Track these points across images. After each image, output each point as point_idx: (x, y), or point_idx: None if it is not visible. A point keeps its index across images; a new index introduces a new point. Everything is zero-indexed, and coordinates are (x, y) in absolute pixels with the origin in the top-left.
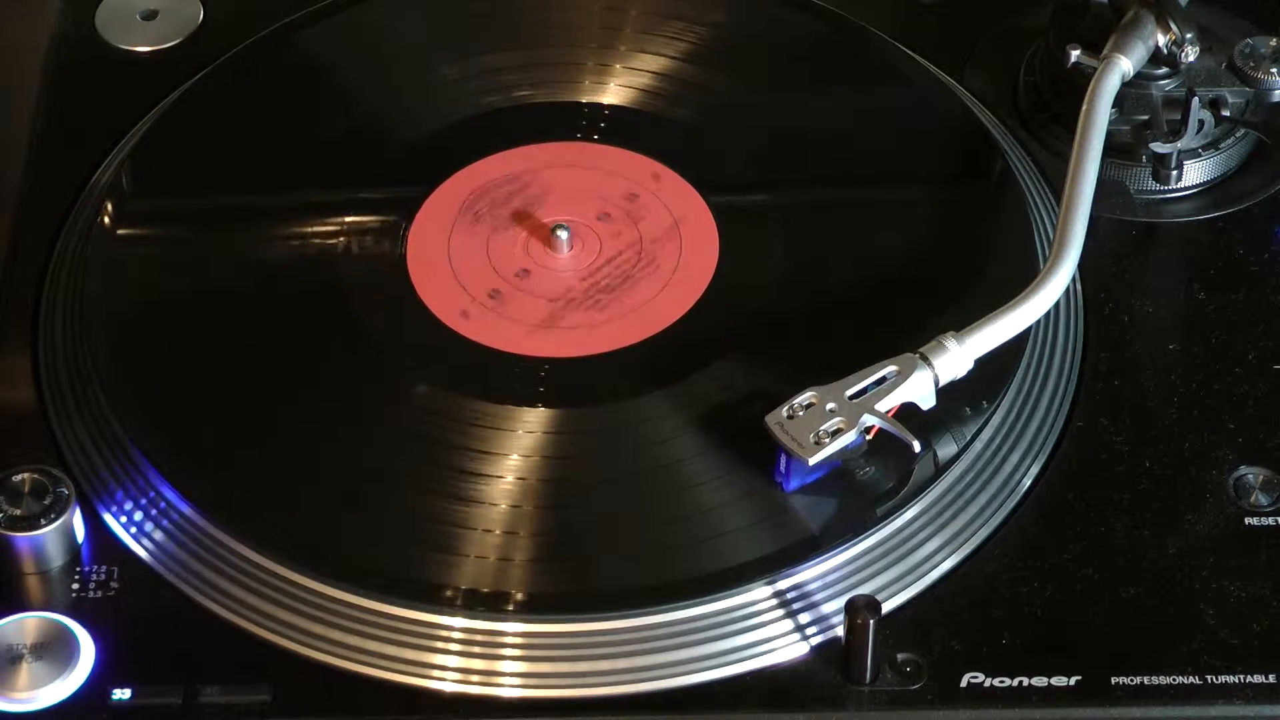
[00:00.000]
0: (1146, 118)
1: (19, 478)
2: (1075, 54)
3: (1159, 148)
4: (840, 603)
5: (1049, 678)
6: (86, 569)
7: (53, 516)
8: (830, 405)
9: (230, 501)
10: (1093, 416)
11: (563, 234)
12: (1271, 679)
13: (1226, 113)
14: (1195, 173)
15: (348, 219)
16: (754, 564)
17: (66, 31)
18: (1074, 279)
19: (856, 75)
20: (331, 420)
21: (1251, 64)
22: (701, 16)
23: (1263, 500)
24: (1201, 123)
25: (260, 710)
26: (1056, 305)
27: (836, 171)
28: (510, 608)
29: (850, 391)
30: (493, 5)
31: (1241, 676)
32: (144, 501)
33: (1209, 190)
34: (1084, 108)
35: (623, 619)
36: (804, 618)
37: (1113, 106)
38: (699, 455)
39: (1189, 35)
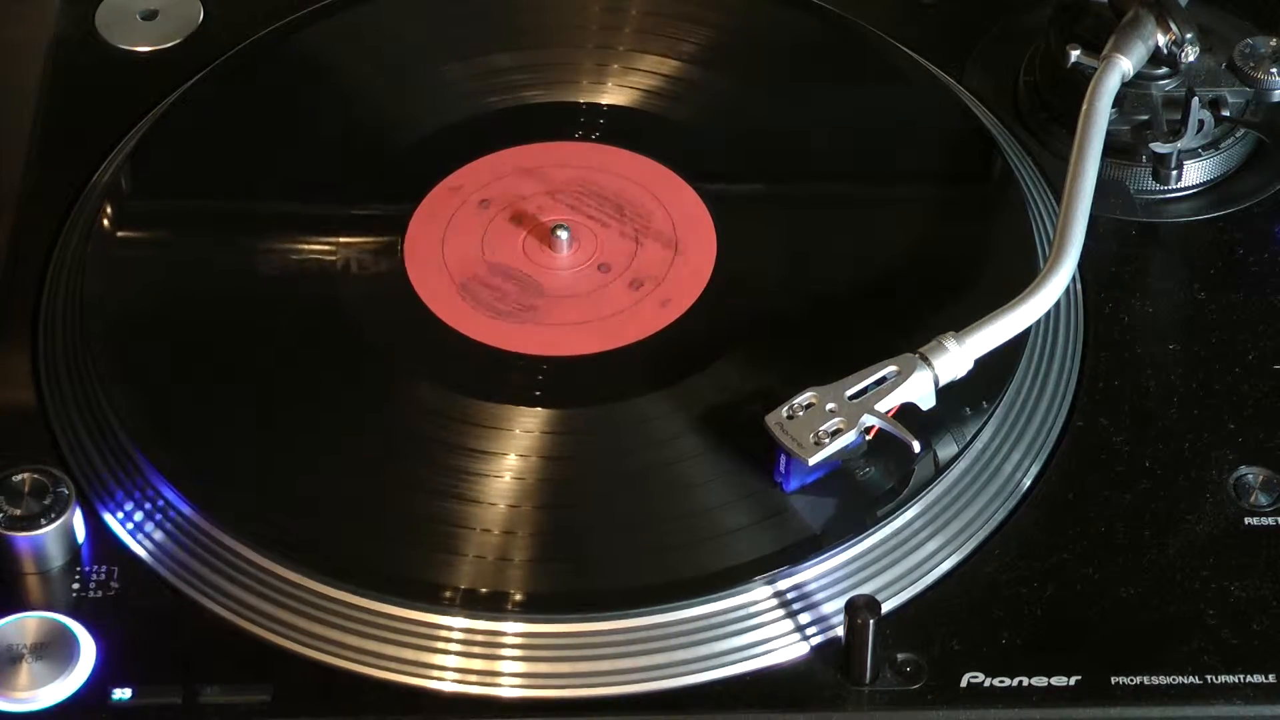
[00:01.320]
0: (1146, 118)
1: (19, 478)
2: (1075, 54)
3: (1159, 148)
4: (840, 603)
5: (1049, 678)
6: (86, 569)
7: (53, 516)
8: (830, 405)
9: (230, 501)
10: (1093, 416)
11: (563, 234)
12: (1271, 679)
13: (1226, 113)
14: (1195, 173)
15: (347, 218)
16: (754, 564)
17: (66, 31)
18: (1074, 279)
19: (856, 75)
20: (331, 420)
21: (1251, 64)
22: (701, 16)
23: (1263, 500)
24: (1201, 123)
25: (260, 710)
26: (1056, 305)
27: (836, 172)
28: (510, 608)
29: (850, 391)
30: (493, 5)
31: (1241, 676)
32: (144, 501)
33: (1209, 190)
34: (1084, 108)
35: (623, 619)
36: (804, 618)
37: (1113, 106)
38: (699, 455)
39: (1189, 35)
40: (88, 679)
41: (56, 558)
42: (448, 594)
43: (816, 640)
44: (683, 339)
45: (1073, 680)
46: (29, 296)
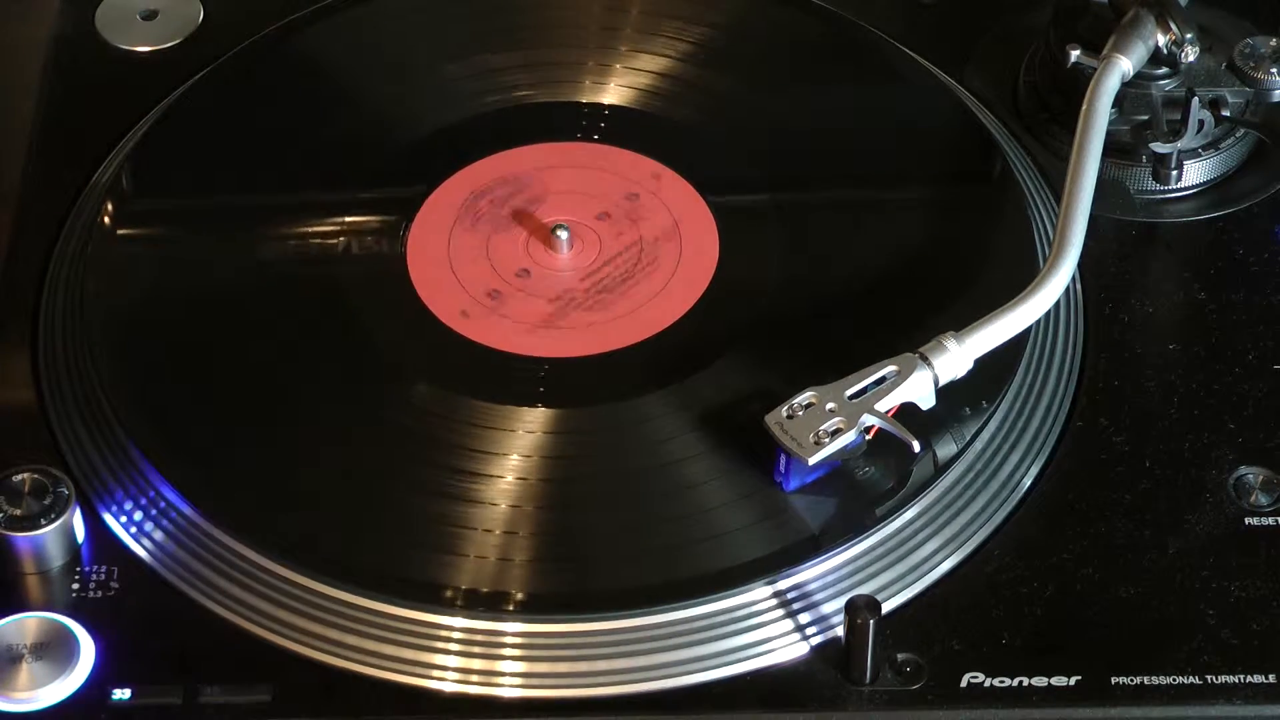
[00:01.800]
0: (1146, 118)
1: (19, 478)
2: (1075, 54)
3: (1159, 148)
4: (840, 603)
5: (1049, 678)
6: (86, 569)
7: (53, 516)
8: (830, 405)
9: (230, 501)
10: (1093, 416)
11: (563, 234)
12: (1271, 679)
13: (1226, 113)
14: (1195, 173)
15: (348, 219)
16: (754, 564)
17: (66, 31)
18: (1074, 279)
19: (856, 75)
20: (331, 420)
21: (1251, 64)
22: (701, 16)
23: (1263, 500)
24: (1201, 123)
25: (260, 710)
26: (1056, 305)
27: (836, 172)
28: (510, 608)
29: (850, 391)
30: (493, 5)
31: (1241, 676)
32: (144, 501)
33: (1209, 190)
34: (1084, 108)
35: (623, 619)
36: (804, 618)
37: (1113, 106)
38: (699, 455)
39: (1189, 35)
40: (87, 679)
41: (56, 558)
42: (448, 594)
43: (816, 640)
44: (683, 339)
45: (1073, 680)
46: (29, 296)
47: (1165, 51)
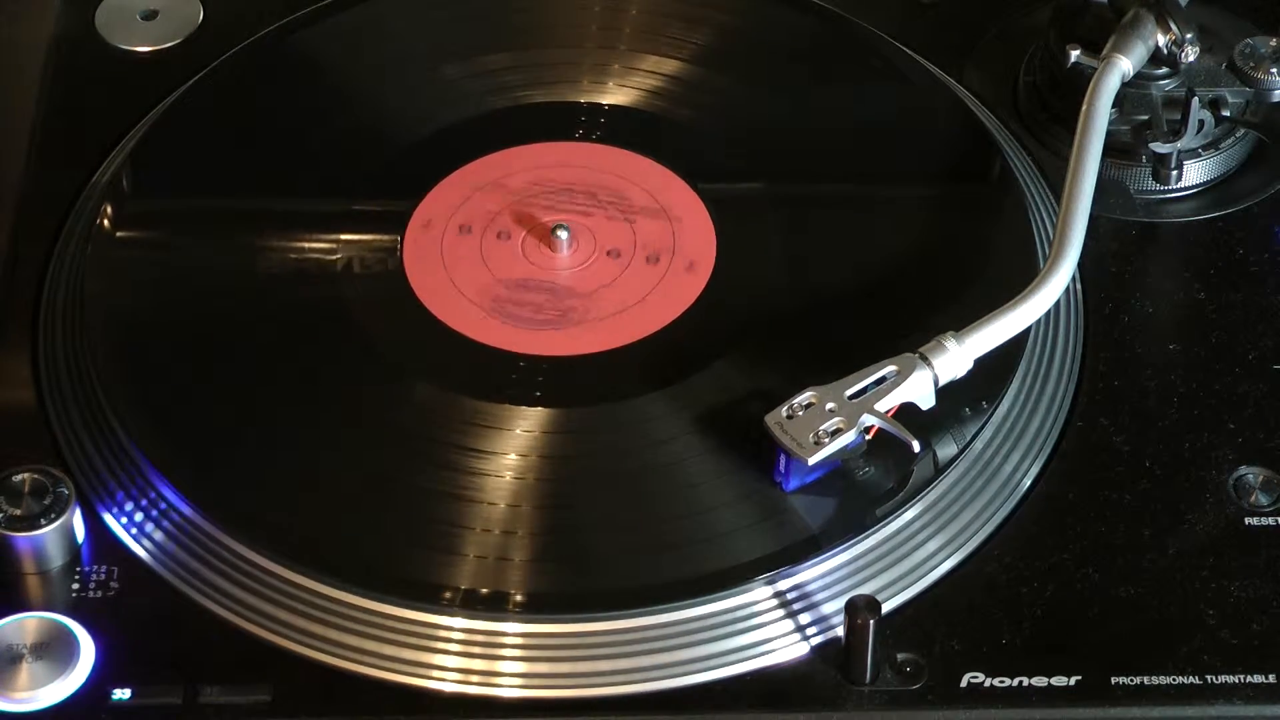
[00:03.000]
0: (1146, 118)
1: (19, 478)
2: (1075, 54)
3: (1159, 148)
4: (840, 603)
5: (1049, 678)
6: (86, 569)
7: (53, 516)
8: (830, 405)
9: (230, 501)
10: (1093, 416)
11: (563, 234)
12: (1271, 679)
13: (1226, 113)
14: (1195, 173)
15: (347, 218)
16: (754, 564)
17: (66, 31)
18: (1074, 279)
19: (856, 75)
20: (331, 420)
21: (1251, 64)
22: (702, 17)
23: (1263, 500)
24: (1201, 123)
25: (260, 710)
26: (1056, 305)
27: (836, 172)
28: (510, 608)
29: (850, 391)
30: (493, 5)
31: (1241, 676)
32: (144, 501)
33: (1209, 190)
34: (1084, 108)
35: (623, 619)
36: (804, 618)
37: (1113, 106)
38: (699, 455)
39: (1189, 35)
40: (87, 679)
41: (56, 558)
42: (448, 594)
43: (816, 640)
44: (682, 339)
45: (1073, 680)
46: (29, 296)
47: (1165, 51)
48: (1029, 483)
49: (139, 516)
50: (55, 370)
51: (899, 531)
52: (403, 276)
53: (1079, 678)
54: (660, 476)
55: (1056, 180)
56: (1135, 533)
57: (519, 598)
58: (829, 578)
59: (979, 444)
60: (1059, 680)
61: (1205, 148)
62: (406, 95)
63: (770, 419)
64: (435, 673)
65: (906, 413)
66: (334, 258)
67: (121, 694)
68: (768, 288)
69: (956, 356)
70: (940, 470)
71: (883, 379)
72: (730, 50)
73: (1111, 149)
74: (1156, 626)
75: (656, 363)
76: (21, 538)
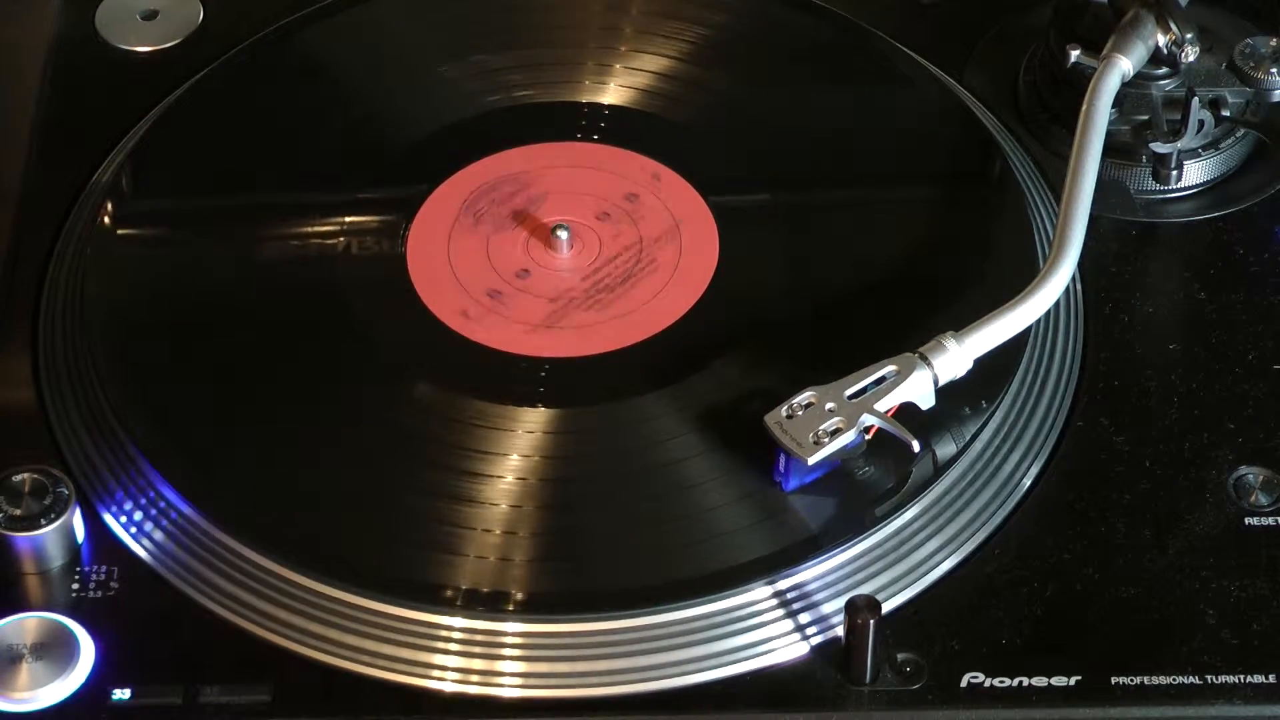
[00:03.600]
0: (1146, 118)
1: (19, 478)
2: (1075, 54)
3: (1159, 148)
4: (840, 603)
5: (1049, 678)
6: (86, 569)
7: (53, 516)
8: (829, 405)
9: (230, 501)
10: (1093, 416)
11: (563, 234)
12: (1271, 679)
13: (1226, 113)
14: (1195, 173)
15: (348, 219)
16: (754, 564)
17: (66, 31)
18: (1074, 279)
19: (856, 75)
20: (331, 420)
21: (1251, 64)
22: (701, 16)
23: (1263, 500)
24: (1201, 123)
25: (260, 710)
26: (1056, 305)
27: (836, 171)
28: (510, 608)
29: (849, 391)
30: (493, 5)
31: (1241, 676)
32: (144, 501)
33: (1209, 190)
34: (1084, 108)
35: (622, 619)
36: (804, 618)
37: (1113, 106)
38: (699, 455)
39: (1189, 35)
40: (87, 679)
41: (56, 558)
42: (448, 594)
43: (816, 640)
44: (683, 339)
45: (1073, 680)
46: (29, 296)
47: (1165, 51)
48: (1029, 483)
49: (139, 516)
50: (55, 370)
51: (899, 531)
52: (404, 277)
53: (1079, 678)
54: (660, 476)
55: (1056, 180)
56: (1135, 533)
57: (519, 597)
58: (829, 578)
59: (979, 444)
60: (1059, 680)
61: (1205, 148)
62: (406, 95)
63: (770, 419)
64: (435, 672)
65: (906, 413)
66: (335, 258)
67: (121, 694)
68: (768, 287)
69: (956, 356)
70: (940, 470)
71: (882, 379)
72: (730, 50)
73: (1111, 149)
74: (1156, 626)
75: (657, 363)
76: (21, 538)
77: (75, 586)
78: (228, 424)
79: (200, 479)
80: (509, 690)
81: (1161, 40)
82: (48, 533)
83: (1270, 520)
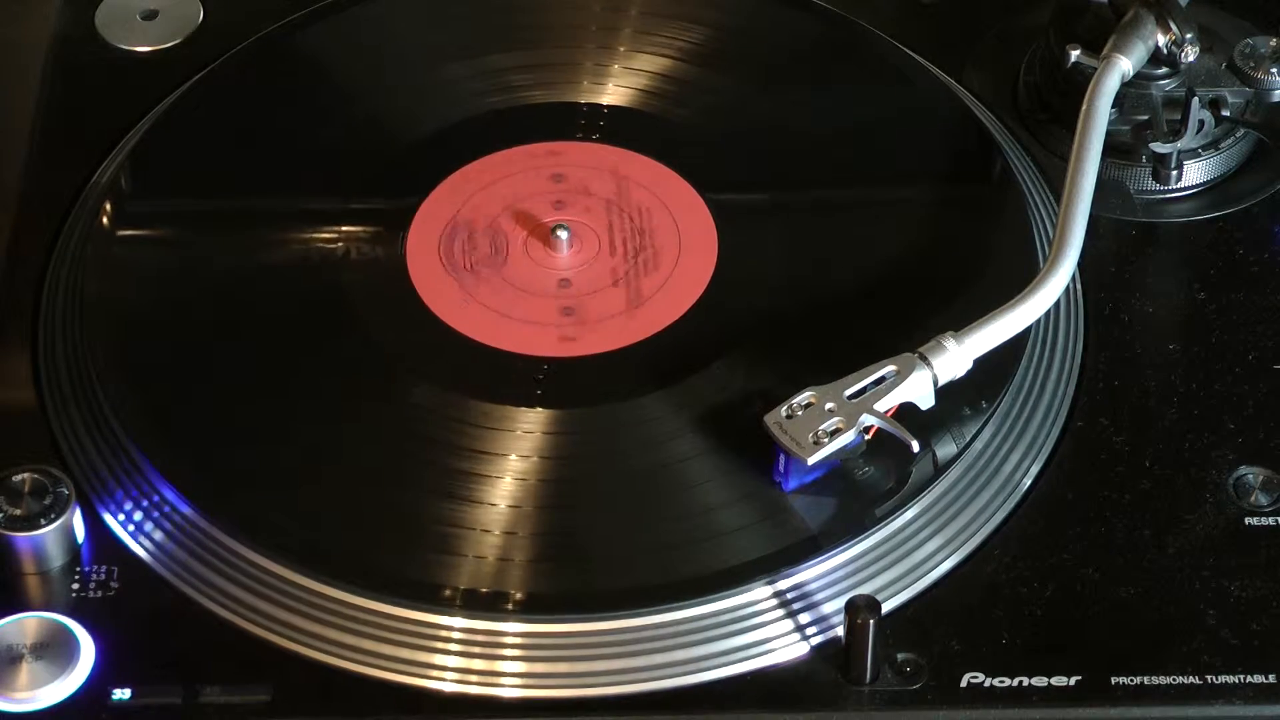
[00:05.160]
0: (1146, 118)
1: (19, 478)
2: (1075, 54)
3: (1159, 148)
4: (840, 603)
5: (1049, 678)
6: (86, 569)
7: (53, 516)
8: (829, 405)
9: (230, 501)
10: (1093, 416)
11: (563, 234)
12: (1271, 679)
13: (1226, 113)
14: (1195, 173)
15: (348, 218)
16: (754, 564)
17: (66, 31)
18: (1074, 279)
19: (856, 75)
20: (331, 420)
21: (1251, 64)
22: (701, 16)
23: (1263, 500)
24: (1201, 123)
25: (260, 710)
26: (1056, 305)
27: (836, 172)
28: (510, 608)
29: (849, 391)
30: (493, 5)
31: (1241, 676)
32: (144, 501)
33: (1209, 190)
34: (1084, 108)
35: (623, 619)
36: (804, 618)
37: (1113, 106)
38: (699, 455)
39: (1189, 35)
40: (87, 679)
41: (56, 558)
42: (448, 594)
43: (816, 640)
44: (683, 339)
45: (1073, 680)
46: (29, 296)
47: (1165, 51)
48: (1029, 483)
49: (139, 516)
50: (55, 370)
51: (899, 531)
52: (404, 277)
53: (1079, 678)
54: (660, 476)
55: (1056, 180)
56: (1135, 533)
57: (519, 597)
58: (829, 578)
59: (979, 444)
60: (1059, 680)
61: (1205, 148)
62: (406, 95)
63: (770, 419)
64: (435, 672)
65: (906, 413)
66: (335, 259)
67: (121, 694)
68: (768, 287)
69: (956, 356)
70: (940, 470)
71: (882, 379)
72: (730, 50)
73: (1111, 149)
74: (1156, 626)
75: (656, 363)
76: (21, 538)
77: (75, 586)
78: (228, 424)
79: (200, 479)
80: (509, 690)
81: (1161, 40)
82: (48, 533)
83: (1270, 520)
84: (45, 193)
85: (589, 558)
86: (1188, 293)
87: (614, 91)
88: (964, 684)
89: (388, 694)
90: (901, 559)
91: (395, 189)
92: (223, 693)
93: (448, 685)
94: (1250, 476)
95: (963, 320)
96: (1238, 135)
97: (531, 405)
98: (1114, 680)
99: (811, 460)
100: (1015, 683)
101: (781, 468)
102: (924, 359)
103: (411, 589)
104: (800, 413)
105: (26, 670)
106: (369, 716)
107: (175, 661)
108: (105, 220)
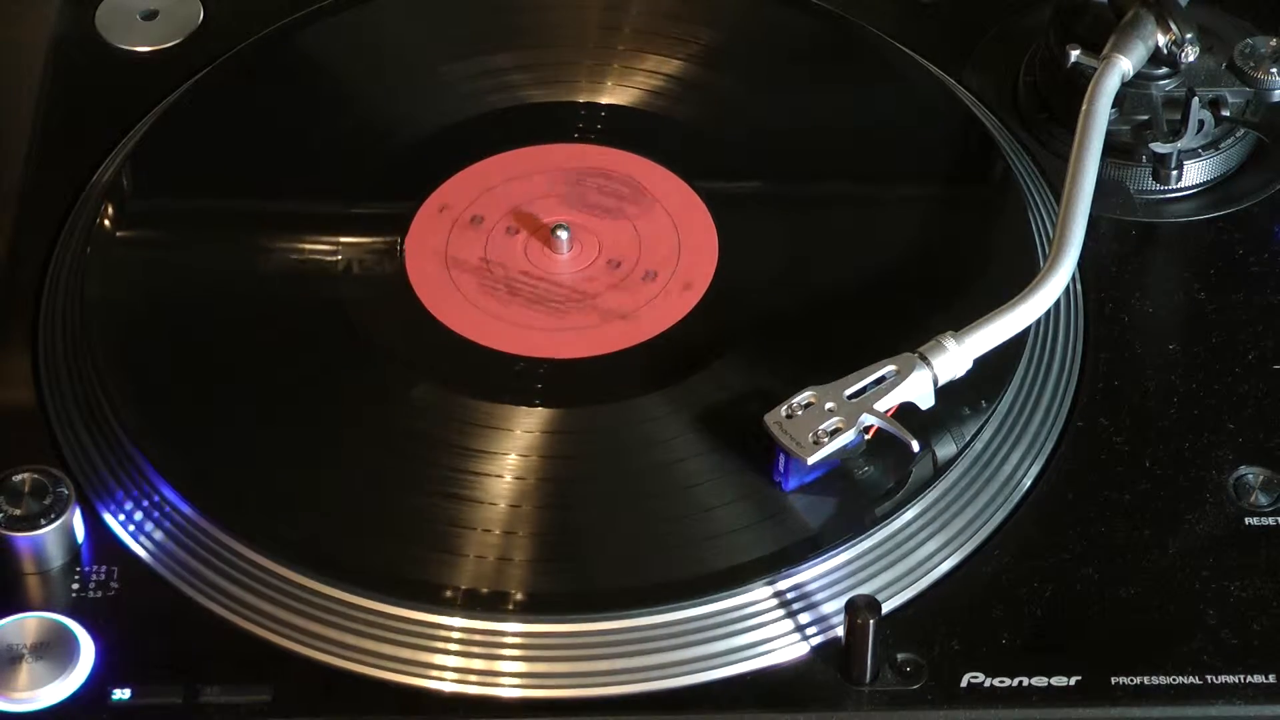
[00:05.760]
0: (1146, 118)
1: (19, 478)
2: (1075, 54)
3: (1159, 148)
4: (840, 603)
5: (1049, 678)
6: (86, 569)
7: (53, 516)
8: (829, 405)
9: (230, 501)
10: (1093, 416)
11: (563, 234)
12: (1271, 679)
13: (1226, 113)
14: (1195, 173)
15: (348, 218)
16: (754, 564)
17: (66, 31)
18: (1074, 279)
19: (856, 75)
20: (331, 420)
21: (1251, 64)
22: (702, 17)
23: (1263, 500)
24: (1201, 123)
25: (260, 710)
26: (1056, 305)
27: (836, 172)
28: (510, 608)
29: (849, 391)
30: (493, 5)
31: (1241, 676)
32: (144, 501)
33: (1209, 190)
34: (1084, 108)
35: (623, 619)
36: (804, 618)
37: (1113, 106)
38: (699, 455)
39: (1189, 35)
40: (87, 679)
41: (56, 558)
42: (448, 594)
43: (816, 640)
44: (683, 339)
45: (1073, 680)
46: (29, 296)
47: (1165, 51)
48: (1029, 483)
49: (139, 516)
50: (55, 370)
51: (899, 531)
52: (403, 277)
53: (1079, 678)
54: (660, 476)
55: (1056, 180)
56: (1135, 533)
57: (519, 597)
58: (829, 578)
59: (979, 444)
60: (1059, 680)
61: (1205, 148)
62: (406, 95)
63: (769, 419)
64: (435, 672)
65: (906, 413)
66: (334, 258)
67: (121, 694)
68: (767, 288)
69: (956, 356)
70: (940, 470)
71: (882, 379)
72: (730, 50)
73: (1111, 149)
74: (1156, 626)
75: (656, 363)
76: (21, 538)
77: (75, 586)
78: (228, 424)
79: (200, 479)
80: (509, 690)
81: (1161, 40)
82: (48, 533)
83: (1270, 520)
84: (45, 193)
85: (589, 558)
86: (1188, 293)
87: (614, 91)
88: (964, 684)
89: (388, 694)
90: (901, 559)
91: (395, 188)
92: (223, 693)
93: (448, 685)
94: (1250, 476)
95: (963, 320)
96: (1238, 135)
97: (532, 405)
98: (1114, 680)
99: (811, 460)
100: (1015, 683)
101: (781, 467)
102: (924, 359)
103: (411, 589)
104: (800, 412)
105: (26, 670)
106: (369, 716)
107: (175, 661)
108: (105, 220)
